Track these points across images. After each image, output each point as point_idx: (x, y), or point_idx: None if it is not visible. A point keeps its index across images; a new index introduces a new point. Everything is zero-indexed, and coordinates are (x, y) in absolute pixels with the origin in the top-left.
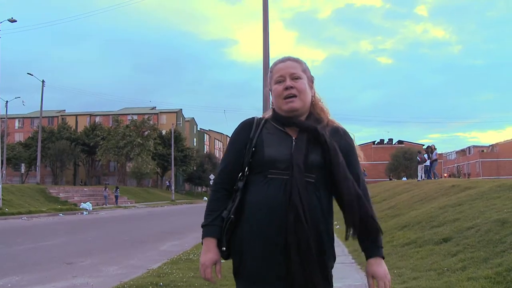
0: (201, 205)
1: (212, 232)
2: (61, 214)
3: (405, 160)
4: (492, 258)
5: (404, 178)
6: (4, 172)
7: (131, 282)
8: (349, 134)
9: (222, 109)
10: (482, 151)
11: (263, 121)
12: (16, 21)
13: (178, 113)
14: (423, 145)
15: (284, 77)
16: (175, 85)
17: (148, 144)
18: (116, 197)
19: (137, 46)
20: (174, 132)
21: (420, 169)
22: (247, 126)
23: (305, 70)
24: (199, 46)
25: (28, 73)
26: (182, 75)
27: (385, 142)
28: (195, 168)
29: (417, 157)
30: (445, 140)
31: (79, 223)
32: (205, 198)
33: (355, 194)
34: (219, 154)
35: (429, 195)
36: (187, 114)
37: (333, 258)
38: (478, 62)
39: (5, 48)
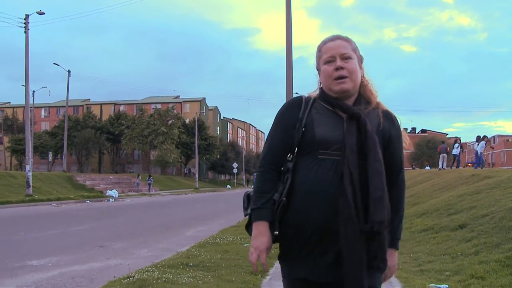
0: (225, 193)
1: (265, 215)
2: (88, 201)
3: (428, 149)
4: (504, 243)
5: (428, 167)
6: (32, 160)
7: (163, 263)
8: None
9: (245, 98)
10: (507, 140)
11: (311, 100)
12: (44, 13)
13: (202, 102)
14: (447, 134)
15: (334, 57)
16: (199, 74)
17: (173, 133)
18: (149, 184)
19: (161, 35)
20: (197, 121)
21: (442, 158)
22: (295, 105)
23: (355, 49)
24: (222, 35)
25: (54, 63)
26: (206, 64)
27: (408, 131)
28: (218, 157)
29: (437, 149)
30: (470, 129)
31: (106, 209)
32: (229, 186)
33: (380, 195)
34: (242, 142)
35: (449, 184)
36: (210, 103)
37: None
38: (504, 49)
39: (32, 39)
